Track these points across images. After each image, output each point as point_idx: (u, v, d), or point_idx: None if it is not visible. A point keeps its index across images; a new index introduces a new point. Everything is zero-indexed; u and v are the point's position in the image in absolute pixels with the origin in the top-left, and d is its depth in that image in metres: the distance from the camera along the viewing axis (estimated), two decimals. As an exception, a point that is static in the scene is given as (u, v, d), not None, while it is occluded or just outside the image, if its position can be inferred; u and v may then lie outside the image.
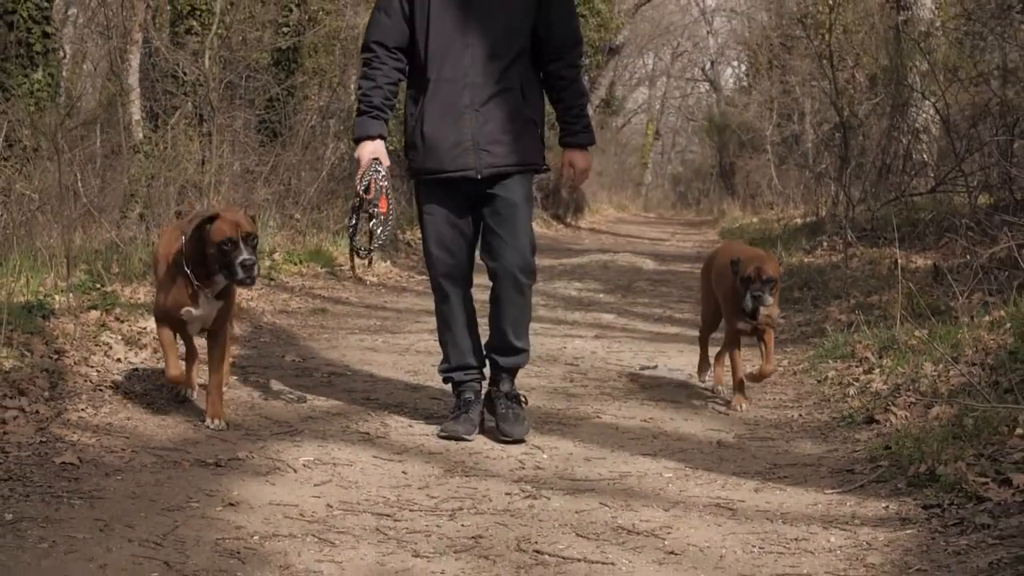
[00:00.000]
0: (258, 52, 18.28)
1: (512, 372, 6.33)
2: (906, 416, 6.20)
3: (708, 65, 54.46)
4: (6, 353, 6.47)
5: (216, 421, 6.01)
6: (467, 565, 4.23)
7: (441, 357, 6.44)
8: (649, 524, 4.76)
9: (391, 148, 6.57)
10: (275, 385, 7.09)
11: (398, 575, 4.12)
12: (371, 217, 6.07)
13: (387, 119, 6.14)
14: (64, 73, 17.58)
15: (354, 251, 6.17)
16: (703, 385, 7.75)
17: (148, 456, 5.40)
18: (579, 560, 4.31)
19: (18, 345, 6.68)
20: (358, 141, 6.11)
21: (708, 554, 4.41)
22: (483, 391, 6.40)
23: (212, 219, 5.85)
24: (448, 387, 6.50)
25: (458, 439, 6.10)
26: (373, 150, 6.07)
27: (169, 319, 6.07)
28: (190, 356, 6.69)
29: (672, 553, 4.41)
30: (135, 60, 15.31)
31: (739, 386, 7.15)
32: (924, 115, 16.91)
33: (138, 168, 13.80)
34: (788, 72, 28.95)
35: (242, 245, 5.78)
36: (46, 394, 6.09)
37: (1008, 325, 7.17)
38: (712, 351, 7.79)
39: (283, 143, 16.54)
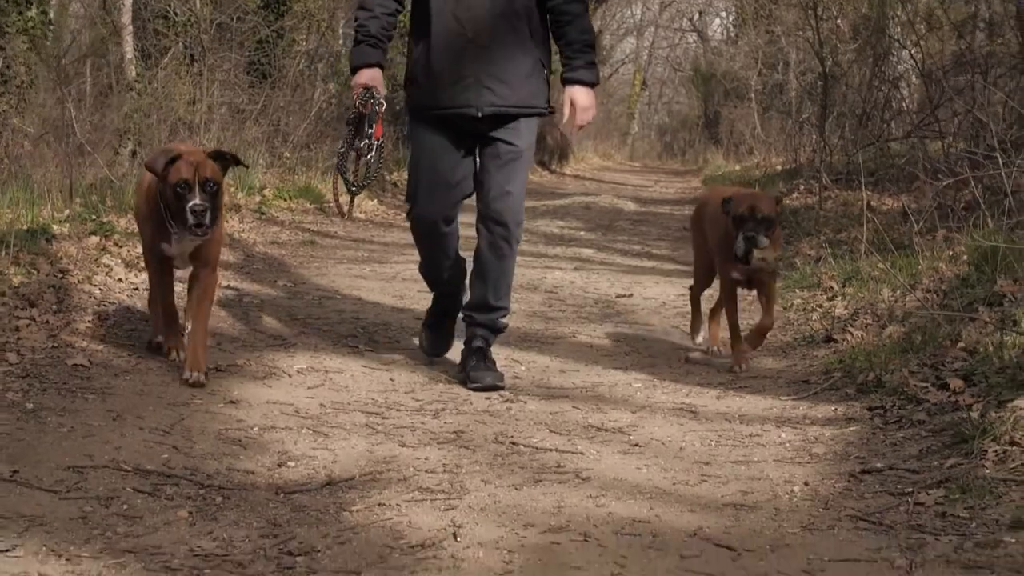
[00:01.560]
0: (248, -6, 18.49)
1: (488, 329, 6.00)
2: (862, 336, 6.61)
3: (696, 15, 54.48)
4: (14, 271, 6.83)
5: (195, 374, 5.46)
6: (448, 454, 4.63)
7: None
8: (617, 423, 5.19)
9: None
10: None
11: (386, 461, 4.52)
12: (368, 149, 5.88)
13: (385, 48, 5.87)
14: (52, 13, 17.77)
15: (347, 185, 6.00)
16: (697, 346, 6.90)
17: (153, 361, 5.80)
18: (551, 450, 4.72)
19: (24, 264, 7.04)
20: (355, 70, 5.84)
21: (669, 446, 4.83)
22: (461, 301, 6.23)
23: (174, 159, 5.47)
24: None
25: (435, 355, 6.29)
26: (370, 77, 5.80)
27: (154, 255, 5.80)
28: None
29: (636, 445, 4.84)
30: (128, -1, 15.59)
31: (736, 345, 6.40)
32: (903, 64, 17.27)
33: (131, 105, 14.10)
34: (774, 22, 29.18)
35: (196, 189, 5.39)
36: (54, 307, 6.46)
37: (965, 257, 7.56)
38: (707, 310, 7.02)
39: (272, 84, 16.83)
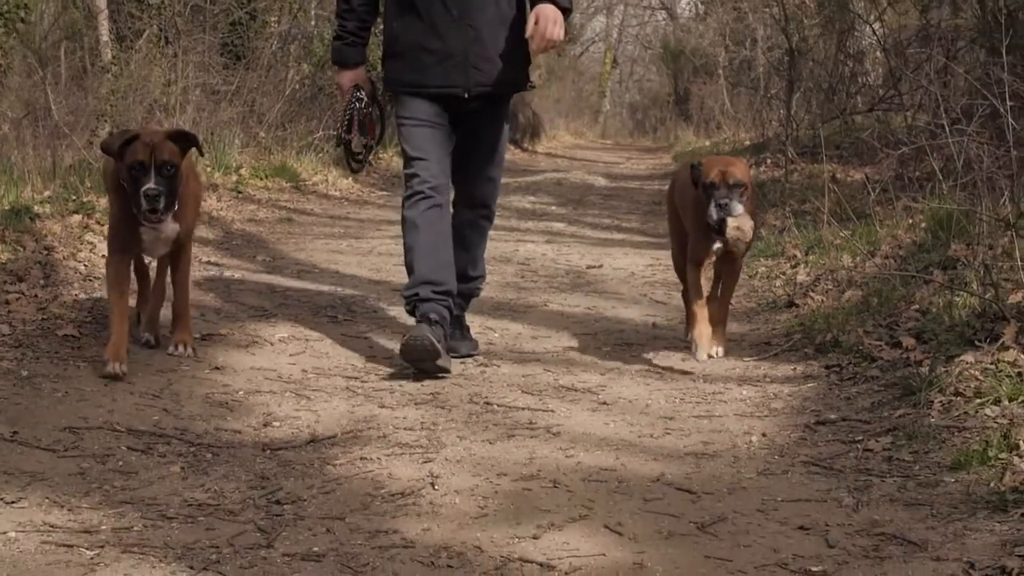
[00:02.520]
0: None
1: (466, 298, 6.08)
2: (822, 300, 6.87)
3: (665, -7, 54.59)
4: (1, 248, 7.04)
5: (182, 347, 5.58)
6: (426, 413, 4.87)
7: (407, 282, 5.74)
8: (586, 384, 5.44)
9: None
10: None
11: (366, 420, 4.75)
12: (363, 143, 5.99)
13: (365, 42, 5.92)
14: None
15: (349, 167, 6.22)
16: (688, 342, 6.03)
17: (139, 331, 6.00)
18: (523, 409, 4.97)
19: (11, 242, 7.23)
20: (337, 67, 5.99)
21: (635, 404, 5.09)
22: (449, 317, 5.73)
23: (131, 140, 5.22)
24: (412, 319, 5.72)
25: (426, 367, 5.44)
26: (353, 78, 5.89)
27: (124, 244, 5.47)
28: (143, 293, 6.06)
29: (604, 403, 5.09)
30: (102, -18, 15.72)
31: (699, 324, 5.81)
32: (868, 39, 17.54)
33: (108, 87, 14.26)
34: (741, -1, 29.38)
35: (152, 172, 5.11)
36: (41, 282, 6.65)
37: (923, 224, 7.83)
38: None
39: (246, 65, 16.99)
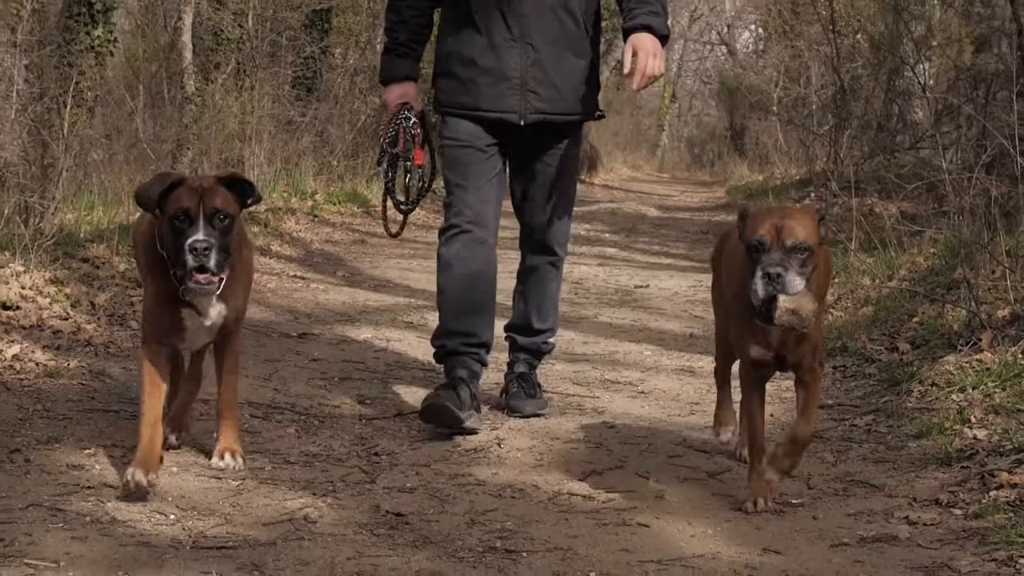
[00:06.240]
0: (292, 11, 19.69)
1: (531, 353, 5.64)
2: (840, 315, 7.77)
3: (724, 29, 55.41)
4: (117, 259, 8.07)
5: (229, 457, 4.52)
6: (491, 398, 5.82)
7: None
8: (628, 378, 6.40)
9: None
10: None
11: (441, 401, 5.72)
12: (407, 172, 5.48)
13: (417, 56, 5.42)
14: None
15: (395, 206, 5.65)
16: (720, 442, 4.94)
17: (244, 329, 6.99)
18: (573, 396, 5.94)
19: (124, 255, 8.26)
20: (385, 83, 5.44)
21: (668, 393, 6.06)
22: (480, 375, 5.45)
23: (174, 186, 4.19)
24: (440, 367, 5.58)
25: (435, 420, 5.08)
26: (401, 94, 5.36)
27: (162, 333, 4.41)
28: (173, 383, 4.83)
29: (642, 392, 6.06)
30: (188, 19, 16.86)
31: (756, 454, 4.29)
32: (917, 79, 18.39)
33: (191, 116, 15.39)
34: (796, 37, 30.21)
35: (201, 222, 4.09)
36: (156, 288, 7.68)
37: (939, 253, 8.71)
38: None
39: (318, 97, 18.08)
